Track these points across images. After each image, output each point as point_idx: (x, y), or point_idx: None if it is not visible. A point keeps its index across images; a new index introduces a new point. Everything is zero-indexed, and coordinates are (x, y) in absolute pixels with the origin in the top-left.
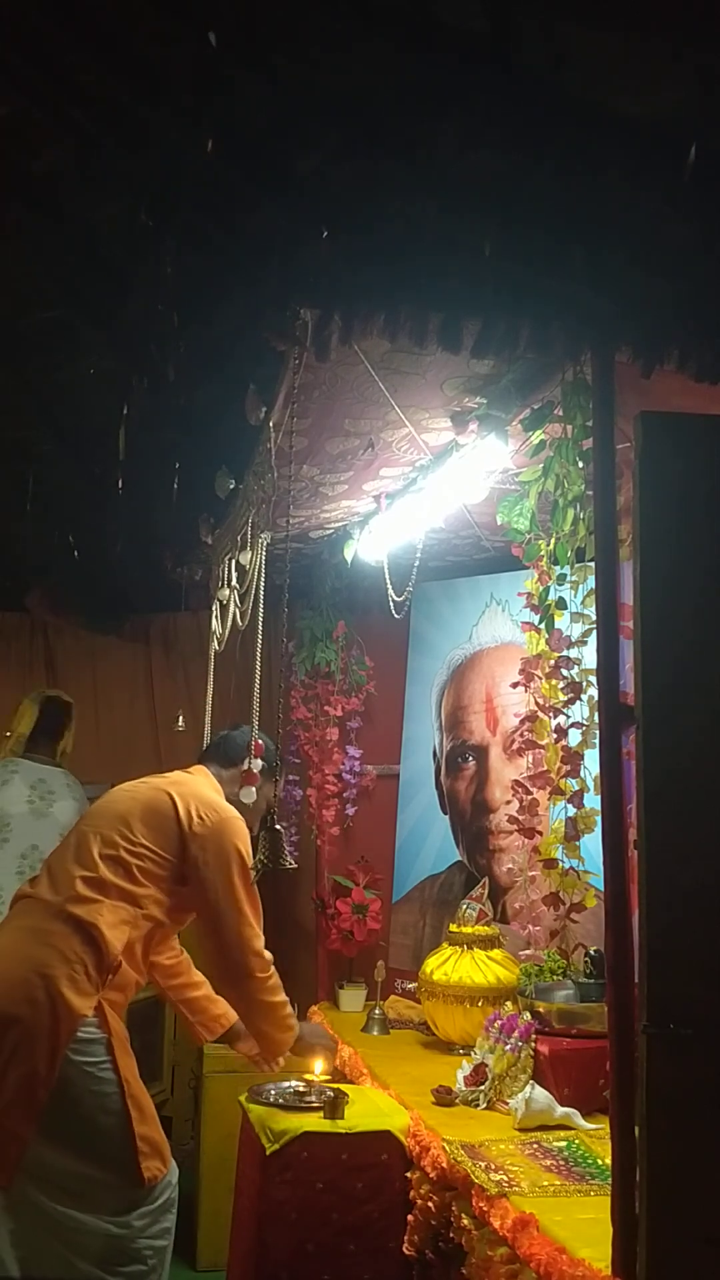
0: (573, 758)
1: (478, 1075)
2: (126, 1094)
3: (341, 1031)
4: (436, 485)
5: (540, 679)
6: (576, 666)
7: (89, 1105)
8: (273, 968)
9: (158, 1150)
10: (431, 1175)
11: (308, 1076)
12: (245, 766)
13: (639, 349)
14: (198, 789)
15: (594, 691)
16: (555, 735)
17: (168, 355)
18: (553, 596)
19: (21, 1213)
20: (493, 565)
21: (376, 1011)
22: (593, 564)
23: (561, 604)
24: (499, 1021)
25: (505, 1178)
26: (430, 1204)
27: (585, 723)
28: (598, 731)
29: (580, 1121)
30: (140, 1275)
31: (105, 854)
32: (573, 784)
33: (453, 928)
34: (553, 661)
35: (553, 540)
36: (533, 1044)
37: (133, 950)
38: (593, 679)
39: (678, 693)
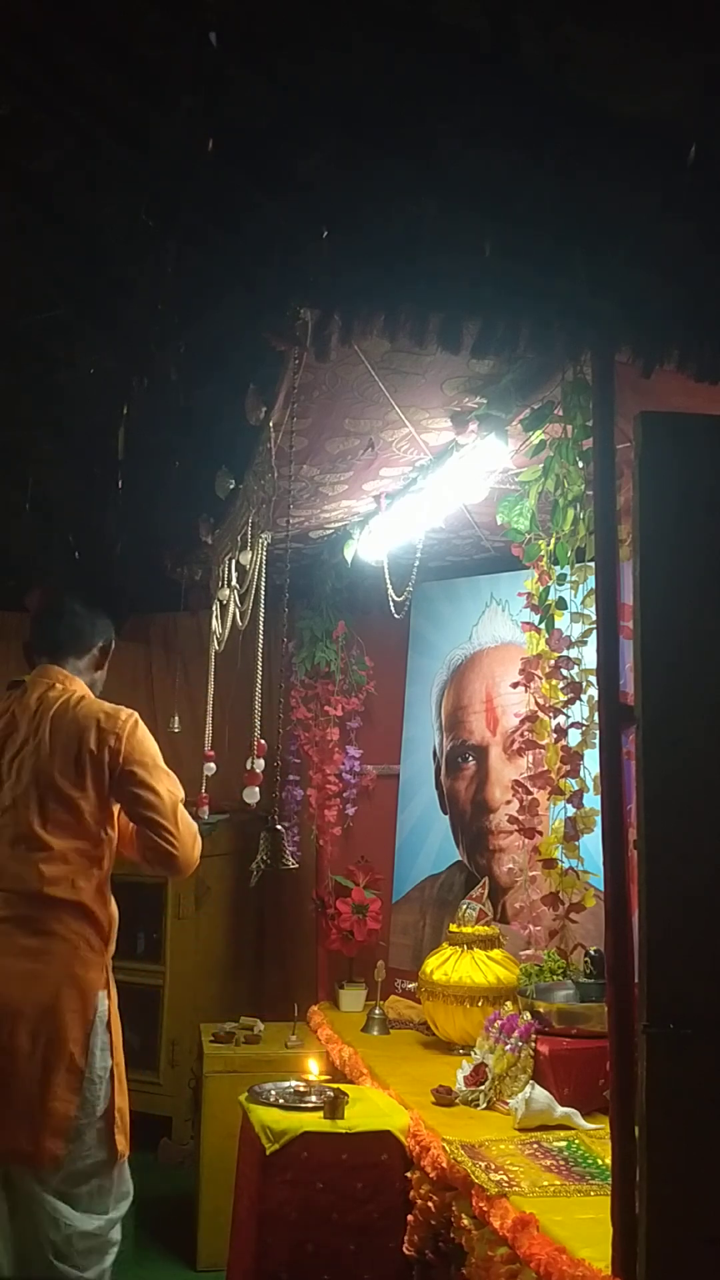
0: (573, 758)
1: (478, 1075)
2: (114, 1063)
3: (341, 1031)
4: (436, 485)
5: (540, 679)
6: (576, 666)
7: (93, 1082)
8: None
9: (126, 1126)
10: (431, 1175)
11: (308, 1077)
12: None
13: (639, 349)
14: (83, 709)
15: (594, 691)
16: (555, 735)
17: (168, 355)
18: (553, 596)
19: (18, 1207)
20: (493, 565)
21: (376, 1011)
22: (593, 564)
23: (561, 604)
24: (499, 1021)
25: (505, 1178)
26: (430, 1204)
27: (585, 723)
28: (598, 731)
29: (580, 1121)
30: (102, 1275)
31: (50, 824)
32: (573, 784)
33: (453, 928)
34: (553, 661)
35: (553, 540)
36: (533, 1044)
37: (104, 889)
38: (593, 679)
39: (678, 693)
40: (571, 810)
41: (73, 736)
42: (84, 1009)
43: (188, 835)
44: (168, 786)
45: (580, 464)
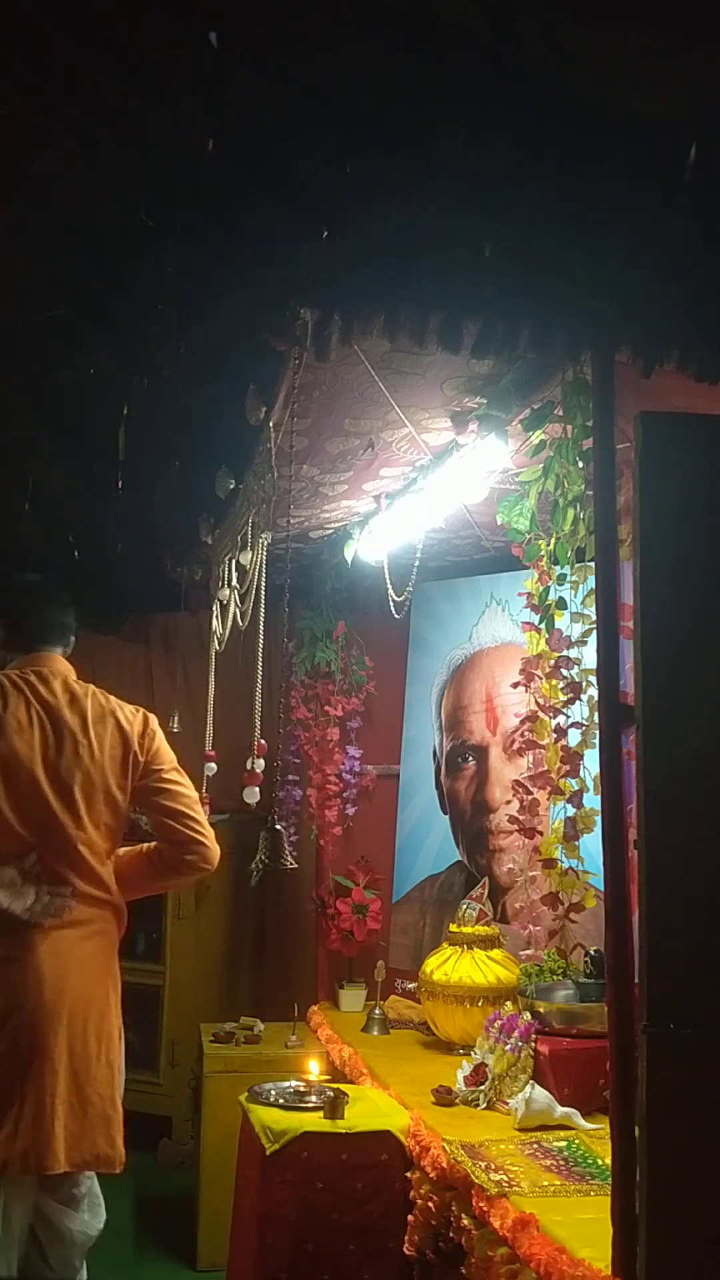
0: (573, 758)
1: (478, 1075)
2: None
3: (341, 1031)
4: (436, 485)
5: (540, 679)
6: (576, 666)
7: (122, 1076)
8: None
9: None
10: (431, 1175)
11: (308, 1077)
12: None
13: (639, 349)
14: (118, 708)
15: (594, 691)
16: (555, 735)
17: (168, 355)
18: (553, 596)
19: (13, 1217)
20: (493, 565)
21: (376, 1011)
22: (593, 564)
23: (561, 604)
24: (499, 1021)
25: (505, 1178)
26: (430, 1204)
27: (585, 723)
28: (598, 731)
29: (580, 1121)
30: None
31: (96, 823)
32: (573, 784)
33: (453, 928)
34: (553, 661)
35: (553, 540)
36: (533, 1044)
37: None
38: (593, 679)
39: (678, 693)
40: (571, 810)
41: (119, 737)
42: (118, 1005)
43: (209, 827)
44: (188, 782)
45: (580, 464)
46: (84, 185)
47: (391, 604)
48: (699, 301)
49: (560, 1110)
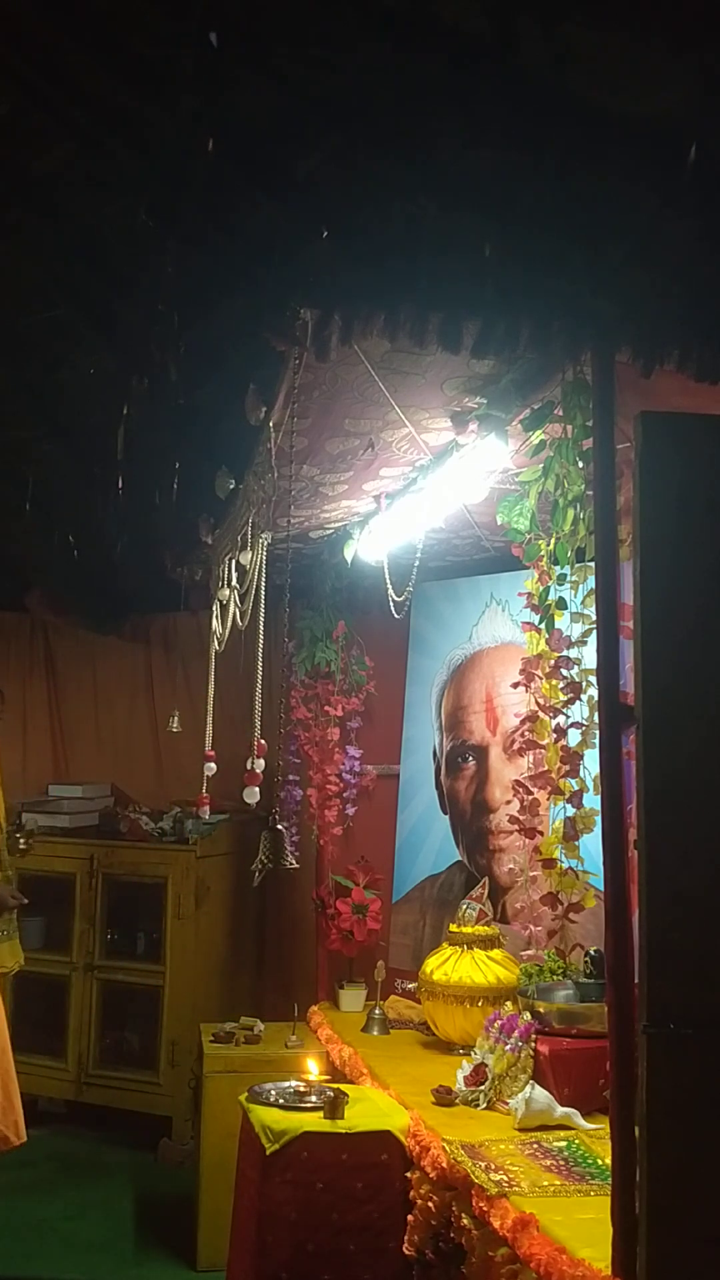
0: (573, 758)
1: (478, 1075)
2: None
3: (341, 1031)
4: (436, 485)
5: (540, 679)
6: (576, 666)
7: None
8: None
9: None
10: (431, 1175)
11: (308, 1077)
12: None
13: (639, 349)
14: None
15: (594, 691)
16: (555, 735)
17: (168, 355)
18: (553, 596)
19: None
20: (493, 565)
21: (376, 1011)
22: (593, 564)
23: (561, 604)
24: (499, 1021)
25: (505, 1178)
26: (430, 1204)
27: (585, 723)
28: (598, 731)
29: (580, 1121)
30: None
31: None
32: (573, 784)
33: (453, 928)
34: (553, 661)
35: (553, 540)
36: (533, 1044)
37: None
38: (593, 679)
39: (678, 693)
40: (571, 810)
41: None
42: None
43: None
44: None
45: (580, 464)
46: (84, 185)
47: (391, 604)
48: (699, 301)
49: (560, 1110)
